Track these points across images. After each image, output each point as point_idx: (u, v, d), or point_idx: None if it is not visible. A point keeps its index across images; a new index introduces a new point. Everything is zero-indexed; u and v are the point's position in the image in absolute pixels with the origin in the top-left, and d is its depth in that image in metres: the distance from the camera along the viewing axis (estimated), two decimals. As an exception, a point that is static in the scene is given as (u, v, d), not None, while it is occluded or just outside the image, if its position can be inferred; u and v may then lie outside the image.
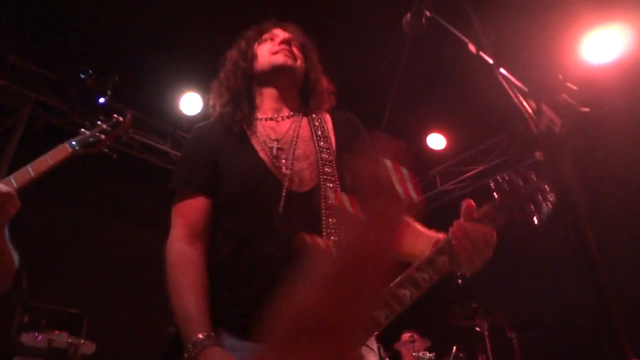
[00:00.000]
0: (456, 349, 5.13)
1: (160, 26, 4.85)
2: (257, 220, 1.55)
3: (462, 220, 1.36)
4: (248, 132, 1.75)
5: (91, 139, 2.10)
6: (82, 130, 2.13)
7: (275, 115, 1.81)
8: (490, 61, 1.12)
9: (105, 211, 5.95)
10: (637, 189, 4.75)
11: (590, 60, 5.02)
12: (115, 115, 2.20)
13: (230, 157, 1.69)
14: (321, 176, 1.64)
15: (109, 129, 2.16)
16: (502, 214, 1.34)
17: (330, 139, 1.77)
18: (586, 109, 0.87)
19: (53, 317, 4.27)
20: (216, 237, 1.60)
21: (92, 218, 5.83)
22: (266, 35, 1.92)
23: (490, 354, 4.74)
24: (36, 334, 3.95)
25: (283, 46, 1.85)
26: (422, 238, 1.58)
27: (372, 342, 1.55)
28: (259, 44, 1.91)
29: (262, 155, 1.68)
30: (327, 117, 1.87)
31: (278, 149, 1.69)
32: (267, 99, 1.85)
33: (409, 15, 1.48)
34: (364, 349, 1.47)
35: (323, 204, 1.57)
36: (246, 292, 1.45)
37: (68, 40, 5.06)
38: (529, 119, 0.89)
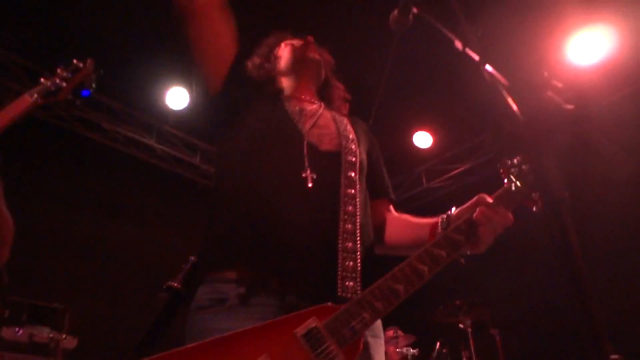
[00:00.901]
0: (440, 345, 5.17)
1: (146, 19, 4.78)
2: (272, 160, 1.60)
3: (482, 205, 1.40)
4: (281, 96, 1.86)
5: (52, 88, 2.00)
6: (42, 79, 2.05)
7: (301, 98, 1.89)
8: (476, 58, 1.12)
9: (88, 205, 5.86)
10: (618, 187, 4.82)
11: (575, 61, 5.07)
12: (75, 61, 2.11)
13: (260, 104, 1.79)
14: (343, 145, 1.69)
15: (70, 75, 2.07)
16: (515, 199, 1.39)
17: (350, 130, 1.82)
18: (571, 107, 0.88)
19: (34, 312, 4.21)
20: (225, 177, 1.66)
21: (75, 212, 5.74)
22: (287, 41, 2.03)
23: (473, 350, 4.78)
24: (17, 329, 3.90)
25: (310, 45, 1.97)
26: (415, 227, 1.68)
27: (379, 329, 1.57)
28: (280, 48, 2.02)
29: (288, 111, 1.76)
30: (345, 119, 1.92)
31: (304, 114, 1.77)
32: (294, 88, 1.93)
33: (396, 11, 1.48)
34: (370, 336, 1.48)
35: (343, 166, 1.61)
36: (262, 233, 1.46)
37: (52, 31, 4.98)
38: (513, 116, 0.89)
